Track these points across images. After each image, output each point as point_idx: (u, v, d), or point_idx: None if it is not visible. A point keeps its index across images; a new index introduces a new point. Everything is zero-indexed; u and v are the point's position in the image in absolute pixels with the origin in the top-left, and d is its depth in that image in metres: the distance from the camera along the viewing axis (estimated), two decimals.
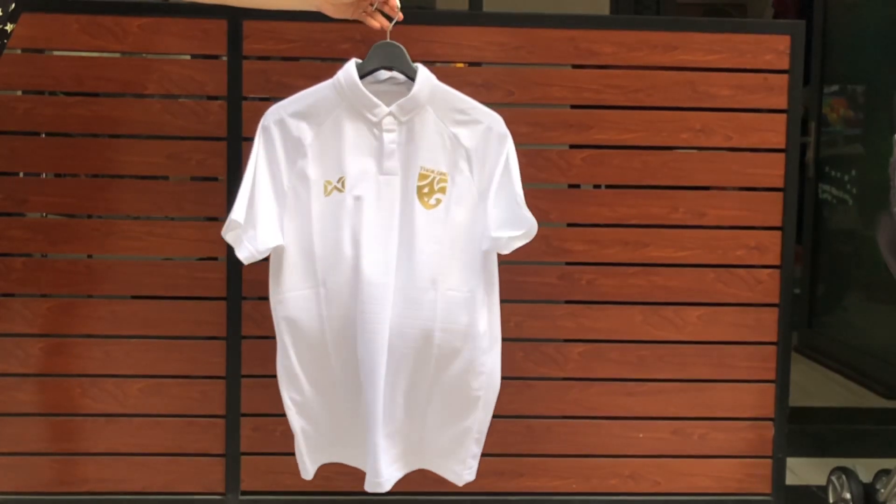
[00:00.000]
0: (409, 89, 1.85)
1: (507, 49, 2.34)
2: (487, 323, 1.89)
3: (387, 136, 1.85)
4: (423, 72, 1.87)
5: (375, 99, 1.85)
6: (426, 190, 1.87)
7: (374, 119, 1.85)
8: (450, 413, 1.92)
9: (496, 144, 1.87)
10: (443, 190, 1.87)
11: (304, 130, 1.86)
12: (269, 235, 1.86)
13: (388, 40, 1.88)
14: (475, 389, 1.90)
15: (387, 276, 1.84)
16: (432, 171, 1.87)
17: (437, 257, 1.86)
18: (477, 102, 1.89)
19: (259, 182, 1.86)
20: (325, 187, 1.86)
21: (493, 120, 1.88)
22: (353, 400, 1.91)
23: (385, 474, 1.91)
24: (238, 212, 1.82)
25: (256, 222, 1.84)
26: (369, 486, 1.91)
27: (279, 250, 1.88)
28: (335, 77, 1.86)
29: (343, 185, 1.86)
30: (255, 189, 1.85)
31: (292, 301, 1.88)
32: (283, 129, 1.87)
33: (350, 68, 1.85)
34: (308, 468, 2.01)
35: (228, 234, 1.84)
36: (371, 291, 1.83)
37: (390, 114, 1.85)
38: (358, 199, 1.86)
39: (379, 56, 1.88)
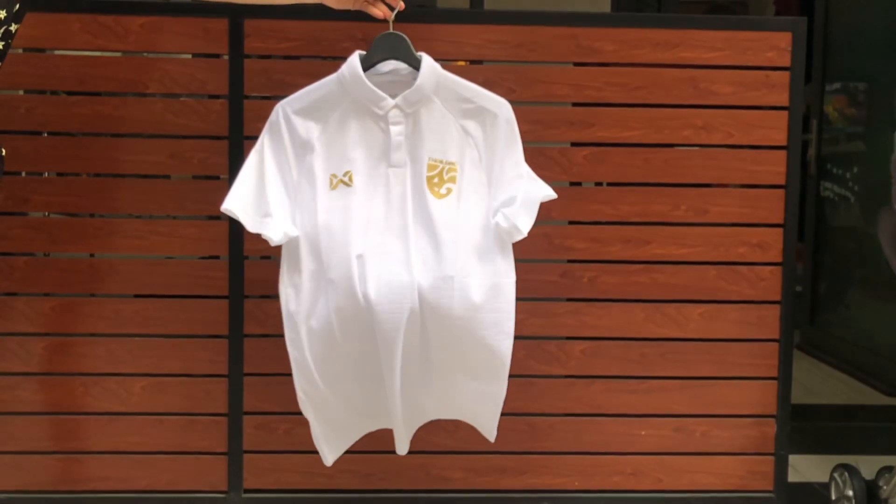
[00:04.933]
0: (414, 79, 1.85)
1: (509, 47, 2.34)
2: (507, 299, 1.91)
3: (394, 129, 1.86)
4: (426, 61, 1.87)
5: (380, 92, 1.84)
6: (436, 180, 1.86)
7: (381, 112, 1.86)
8: (475, 377, 1.94)
9: (505, 131, 1.88)
10: (453, 179, 1.87)
11: (311, 126, 1.87)
12: (286, 225, 1.85)
13: (391, 31, 1.88)
14: (503, 351, 1.93)
15: (405, 267, 1.83)
16: (440, 162, 1.87)
17: (455, 244, 1.84)
18: (482, 89, 1.89)
19: (267, 172, 1.85)
20: (331, 181, 1.86)
21: (500, 106, 1.89)
22: (367, 388, 1.92)
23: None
24: (239, 197, 1.83)
25: (270, 211, 1.84)
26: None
27: (291, 243, 1.87)
28: (339, 71, 1.86)
29: (350, 179, 1.85)
30: (265, 178, 1.84)
31: (300, 294, 1.87)
32: (290, 125, 1.87)
33: (354, 62, 1.85)
34: (327, 456, 2.03)
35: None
36: (389, 283, 1.81)
37: (396, 106, 1.85)
38: (366, 192, 1.85)
39: (382, 47, 1.88)
